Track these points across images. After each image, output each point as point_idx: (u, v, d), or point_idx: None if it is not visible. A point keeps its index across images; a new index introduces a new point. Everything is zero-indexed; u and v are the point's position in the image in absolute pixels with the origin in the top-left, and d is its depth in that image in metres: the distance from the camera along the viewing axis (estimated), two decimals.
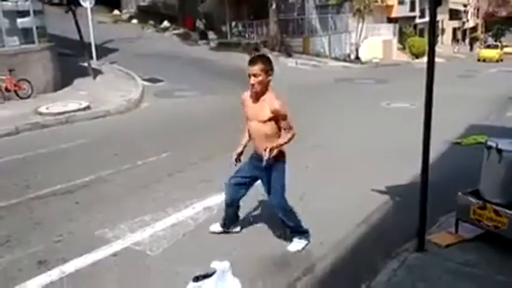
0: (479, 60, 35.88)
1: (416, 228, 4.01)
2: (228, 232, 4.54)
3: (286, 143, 3.94)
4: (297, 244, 4.27)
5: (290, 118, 3.92)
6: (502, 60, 36.88)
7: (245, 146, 4.22)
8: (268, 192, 4.15)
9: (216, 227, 4.57)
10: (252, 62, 3.85)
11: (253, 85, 3.84)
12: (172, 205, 5.22)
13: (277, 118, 3.87)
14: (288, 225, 4.26)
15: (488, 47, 40.71)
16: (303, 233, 4.31)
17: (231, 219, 4.50)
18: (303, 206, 5.20)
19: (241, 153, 4.20)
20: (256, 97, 3.92)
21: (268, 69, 3.86)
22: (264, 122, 3.89)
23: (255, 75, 3.80)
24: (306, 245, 4.28)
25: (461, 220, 4.24)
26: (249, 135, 4.13)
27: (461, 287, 3.49)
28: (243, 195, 4.33)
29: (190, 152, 7.38)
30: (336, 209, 5.13)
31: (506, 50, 40.79)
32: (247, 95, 4.03)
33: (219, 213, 4.98)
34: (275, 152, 3.84)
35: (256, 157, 4.05)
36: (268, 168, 3.96)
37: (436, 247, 4.07)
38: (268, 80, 3.88)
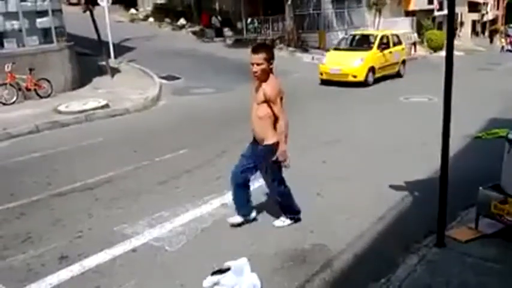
0: (322, 79, 14.64)
1: (435, 224, 3.97)
2: (244, 223, 4.60)
3: (285, 133, 4.21)
4: (281, 222, 4.58)
5: (280, 106, 4.12)
6: (394, 73, 15.99)
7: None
8: (266, 171, 4.40)
9: (235, 218, 4.62)
10: (254, 51, 4.04)
11: (256, 73, 4.05)
12: (191, 201, 5.26)
13: (267, 102, 4.09)
14: (282, 205, 4.56)
15: (354, 46, 16.28)
16: (293, 213, 4.58)
17: (241, 204, 4.54)
18: (321, 202, 5.21)
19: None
20: (260, 83, 4.15)
21: (270, 57, 4.06)
22: (258, 103, 4.15)
23: (258, 64, 4.01)
24: (290, 224, 4.56)
25: (481, 215, 4.17)
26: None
27: (481, 283, 3.44)
28: (248, 178, 4.43)
29: (208, 148, 7.41)
30: (353, 204, 5.11)
31: None
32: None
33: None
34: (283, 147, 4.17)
35: (254, 140, 4.33)
36: (255, 151, 4.29)
37: (455, 242, 4.02)
38: (271, 68, 4.10)
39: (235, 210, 4.61)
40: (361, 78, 14.12)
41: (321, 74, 14.71)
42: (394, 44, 16.07)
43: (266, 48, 4.15)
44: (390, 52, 15.61)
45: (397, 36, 16.90)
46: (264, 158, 4.27)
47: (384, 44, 15.48)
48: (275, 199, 4.58)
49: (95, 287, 3.65)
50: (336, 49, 16.30)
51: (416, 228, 4.50)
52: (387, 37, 15.97)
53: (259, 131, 4.23)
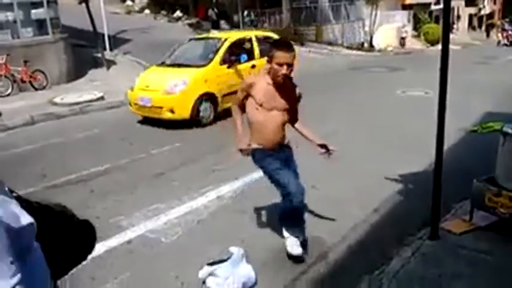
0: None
1: (430, 216, 4.00)
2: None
3: None
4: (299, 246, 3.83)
5: None
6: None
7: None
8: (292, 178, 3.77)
9: (297, 248, 3.83)
10: (289, 49, 3.34)
11: (285, 76, 3.38)
12: (186, 193, 5.27)
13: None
14: (303, 211, 3.93)
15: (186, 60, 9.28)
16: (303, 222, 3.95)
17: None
18: (316, 194, 5.20)
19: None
20: (283, 85, 3.49)
21: None
22: (284, 109, 3.57)
23: (289, 65, 3.34)
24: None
25: (476, 208, 4.20)
26: (256, 126, 3.64)
27: (475, 275, 3.47)
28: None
29: (203, 141, 7.42)
30: (348, 196, 5.13)
31: None
32: (259, 80, 3.54)
33: (232, 201, 5.04)
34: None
35: (277, 148, 3.73)
36: (291, 156, 3.88)
37: (450, 235, 4.04)
38: None
39: (292, 230, 3.85)
40: (184, 113, 8.16)
41: (131, 105, 8.97)
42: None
43: (292, 44, 3.55)
44: (253, 66, 9.19)
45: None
46: None
47: (244, 54, 9.28)
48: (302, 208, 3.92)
49: (91, 278, 3.65)
50: (161, 64, 9.84)
51: (411, 220, 4.53)
52: (249, 42, 9.63)
53: (281, 139, 3.72)
